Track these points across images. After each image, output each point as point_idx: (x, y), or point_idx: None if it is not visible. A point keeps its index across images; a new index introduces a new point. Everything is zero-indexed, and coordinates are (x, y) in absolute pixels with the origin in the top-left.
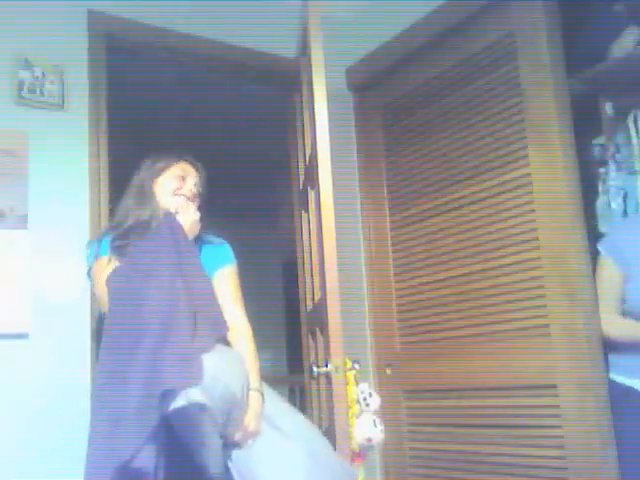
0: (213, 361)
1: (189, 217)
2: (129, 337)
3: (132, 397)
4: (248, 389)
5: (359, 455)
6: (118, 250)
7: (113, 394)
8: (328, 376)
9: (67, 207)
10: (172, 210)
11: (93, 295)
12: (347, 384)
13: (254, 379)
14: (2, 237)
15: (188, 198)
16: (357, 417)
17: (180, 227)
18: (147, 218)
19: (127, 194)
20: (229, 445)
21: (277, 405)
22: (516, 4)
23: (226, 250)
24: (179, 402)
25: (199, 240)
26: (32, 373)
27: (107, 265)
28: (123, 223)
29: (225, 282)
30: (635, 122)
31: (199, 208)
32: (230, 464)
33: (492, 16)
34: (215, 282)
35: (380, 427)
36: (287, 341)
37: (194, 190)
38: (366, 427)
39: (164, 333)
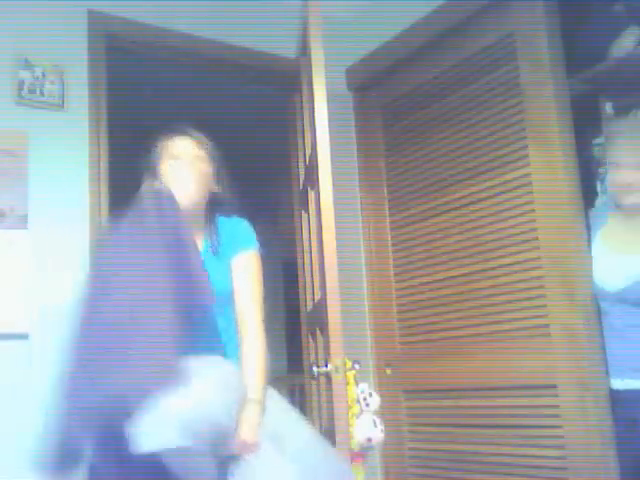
0: (201, 394)
1: (185, 183)
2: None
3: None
4: (243, 403)
5: (359, 455)
6: None
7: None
8: (328, 376)
9: (67, 207)
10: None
11: None
12: (347, 384)
13: (255, 389)
14: (2, 237)
15: (185, 179)
16: (357, 417)
17: (167, 196)
18: None
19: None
20: (227, 460)
21: (287, 422)
22: (516, 4)
23: (245, 228)
24: (154, 445)
25: (215, 211)
26: (32, 373)
27: None
28: None
29: (243, 273)
30: None
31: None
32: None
33: (492, 16)
34: (233, 269)
35: (380, 427)
36: (287, 341)
37: (191, 166)
38: (366, 427)
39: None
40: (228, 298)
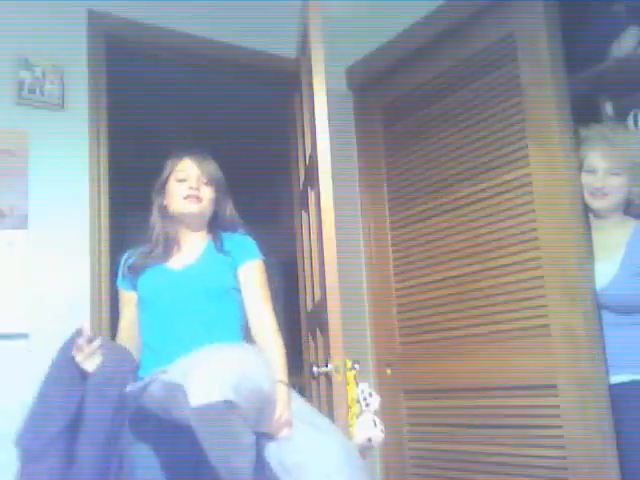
0: (242, 359)
1: (188, 202)
2: None
3: None
4: (274, 383)
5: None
6: (130, 279)
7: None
8: (328, 376)
9: (67, 207)
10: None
11: (93, 295)
12: (347, 384)
13: (281, 372)
14: (2, 237)
15: (191, 196)
16: (357, 417)
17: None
18: (153, 241)
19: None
20: (263, 438)
21: (303, 404)
22: (516, 4)
23: (250, 243)
24: (204, 400)
25: (218, 228)
26: (32, 373)
27: (122, 297)
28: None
29: (251, 278)
30: (635, 122)
31: (221, 193)
32: (268, 457)
33: (492, 16)
34: (241, 278)
35: (380, 427)
36: (287, 341)
37: (195, 187)
38: (366, 427)
39: None
40: (224, 293)
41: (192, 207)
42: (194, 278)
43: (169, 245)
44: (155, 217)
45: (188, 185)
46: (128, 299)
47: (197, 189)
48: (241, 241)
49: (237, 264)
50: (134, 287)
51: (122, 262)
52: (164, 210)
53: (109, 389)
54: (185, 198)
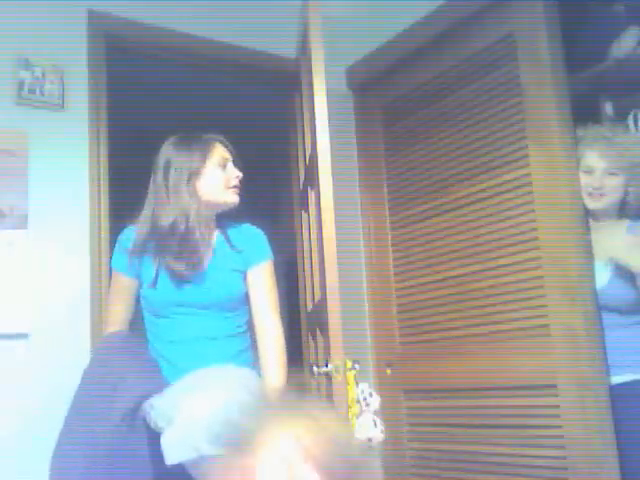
0: (219, 401)
1: (233, 190)
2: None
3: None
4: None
5: None
6: (131, 264)
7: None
8: (328, 376)
9: (67, 207)
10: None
11: (93, 295)
12: (347, 384)
13: (272, 394)
14: (2, 237)
15: (237, 187)
16: (357, 417)
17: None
18: (169, 223)
19: (155, 184)
20: None
21: None
22: (516, 4)
23: (260, 239)
24: (176, 459)
25: (223, 221)
26: (32, 373)
27: (119, 282)
28: (147, 223)
29: (259, 282)
30: (635, 122)
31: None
32: None
33: (492, 16)
34: (249, 279)
35: (380, 427)
36: (287, 341)
37: (238, 175)
38: (366, 427)
39: None
40: (236, 301)
41: (236, 198)
42: (208, 289)
43: (198, 244)
44: (192, 207)
45: (233, 174)
46: (126, 285)
47: (236, 174)
48: (251, 237)
49: (247, 265)
50: (137, 274)
51: (129, 239)
52: (199, 199)
53: None
54: (230, 188)
